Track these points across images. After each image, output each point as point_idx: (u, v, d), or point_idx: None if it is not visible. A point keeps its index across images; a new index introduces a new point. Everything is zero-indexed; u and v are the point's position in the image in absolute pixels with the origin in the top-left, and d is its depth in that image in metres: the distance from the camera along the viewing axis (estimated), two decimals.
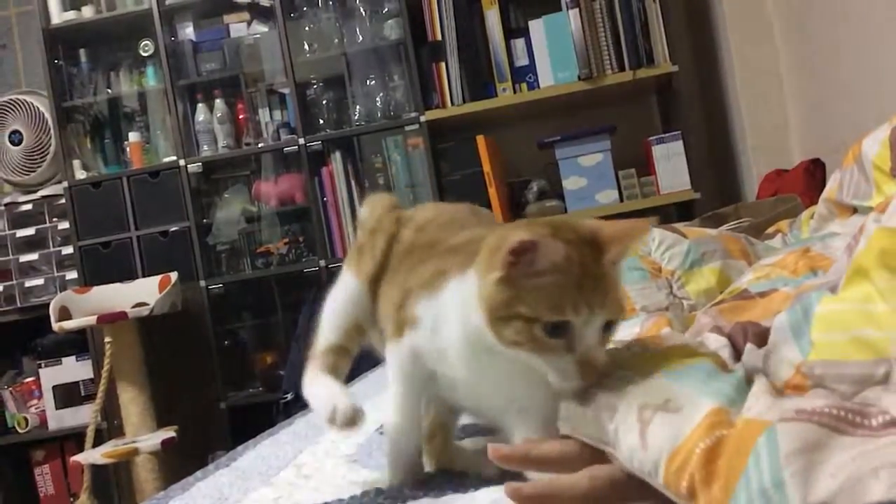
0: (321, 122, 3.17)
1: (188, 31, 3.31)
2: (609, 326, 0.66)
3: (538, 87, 3.01)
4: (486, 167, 2.97)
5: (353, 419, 0.77)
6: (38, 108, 3.37)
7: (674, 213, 2.98)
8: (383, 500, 0.76)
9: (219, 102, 3.21)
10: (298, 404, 2.59)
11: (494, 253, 0.66)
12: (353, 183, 3.10)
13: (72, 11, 3.24)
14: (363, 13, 3.16)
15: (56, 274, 3.37)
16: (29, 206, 3.40)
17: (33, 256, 3.38)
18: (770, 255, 1.17)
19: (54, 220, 3.37)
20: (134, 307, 2.86)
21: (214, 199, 3.29)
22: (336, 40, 3.18)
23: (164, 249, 3.13)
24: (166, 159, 3.22)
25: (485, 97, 3.00)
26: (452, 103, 3.01)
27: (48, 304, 2.87)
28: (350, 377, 1.02)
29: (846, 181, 1.19)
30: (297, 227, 3.21)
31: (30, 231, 3.38)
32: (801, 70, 2.66)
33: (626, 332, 0.92)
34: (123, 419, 2.87)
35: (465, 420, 0.89)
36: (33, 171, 3.41)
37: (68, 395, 3.32)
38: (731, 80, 2.92)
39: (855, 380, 0.56)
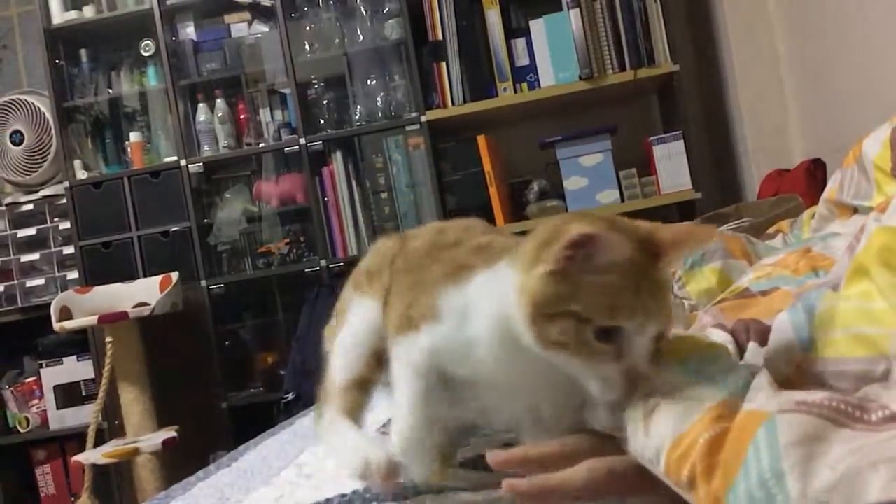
0: (322, 122, 3.17)
1: (189, 31, 3.31)
2: (658, 338, 0.61)
3: (539, 86, 3.01)
4: (487, 167, 2.97)
5: (390, 473, 0.69)
6: (39, 108, 3.37)
7: (675, 213, 2.98)
8: (385, 496, 0.76)
9: (220, 102, 3.21)
10: (299, 404, 2.59)
11: (545, 245, 0.61)
12: (353, 183, 3.10)
13: (73, 11, 3.25)
14: (364, 13, 3.16)
15: (57, 274, 3.37)
16: (30, 206, 3.40)
17: (34, 256, 3.38)
18: (771, 254, 1.17)
19: (55, 220, 3.37)
20: (135, 307, 2.86)
21: (215, 199, 3.29)
22: (337, 40, 3.18)
23: (165, 249, 3.13)
24: (167, 159, 3.22)
25: (485, 97, 3.00)
26: (453, 103, 3.01)
27: (49, 304, 2.87)
28: None
29: (847, 181, 1.19)
30: (297, 227, 3.21)
31: (31, 231, 3.38)
32: (802, 70, 2.66)
33: None
34: (124, 419, 2.88)
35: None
36: (34, 171, 3.41)
37: (69, 395, 3.33)
38: (732, 79, 2.92)
39: (855, 377, 0.56)
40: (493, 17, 3.01)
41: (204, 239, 3.16)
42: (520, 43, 3.03)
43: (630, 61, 2.93)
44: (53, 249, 3.37)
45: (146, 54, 3.27)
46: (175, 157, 3.18)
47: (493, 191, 2.96)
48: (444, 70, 3.01)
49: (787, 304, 0.69)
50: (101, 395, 2.84)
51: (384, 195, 3.08)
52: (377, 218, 3.09)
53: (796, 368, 0.59)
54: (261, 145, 3.22)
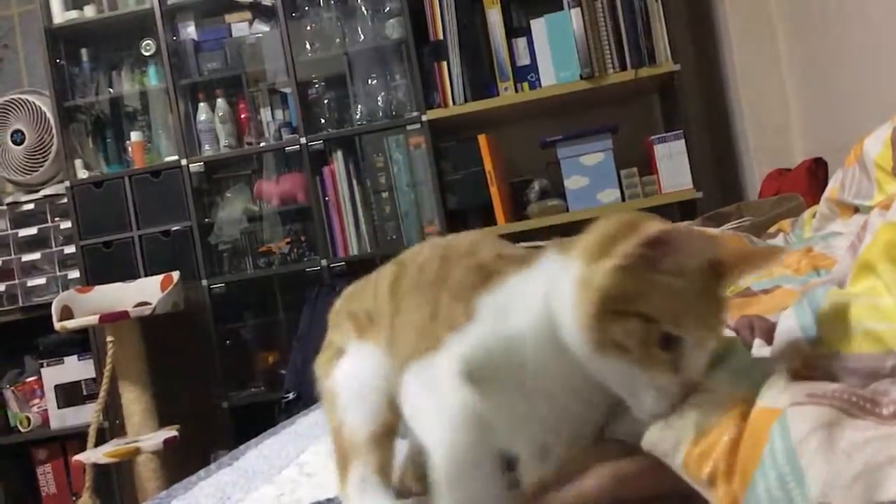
0: (323, 121, 3.17)
1: (190, 31, 3.31)
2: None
3: (540, 86, 3.01)
4: (488, 166, 2.97)
5: None
6: (40, 108, 3.37)
7: (676, 213, 2.98)
8: None
9: (220, 102, 3.21)
10: (300, 403, 2.59)
11: (613, 239, 0.57)
12: (354, 182, 3.10)
13: (74, 11, 3.25)
14: (365, 12, 3.16)
15: (58, 273, 3.37)
16: (31, 206, 3.40)
17: (35, 256, 3.39)
18: None
19: (56, 219, 3.38)
20: (136, 307, 2.86)
21: (216, 199, 3.29)
22: (337, 40, 3.18)
23: (166, 249, 3.13)
24: (168, 159, 3.22)
25: (486, 96, 3.00)
26: (454, 102, 3.01)
27: (50, 304, 2.87)
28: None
29: (848, 180, 1.19)
30: (298, 226, 3.21)
31: (32, 230, 3.38)
32: (804, 69, 2.66)
33: None
34: (125, 418, 2.88)
35: None
36: (35, 171, 3.41)
37: (70, 395, 3.33)
38: (734, 79, 2.92)
39: (863, 373, 0.56)
40: (494, 17, 3.01)
41: (205, 238, 3.16)
42: (521, 42, 3.03)
43: (631, 61, 2.93)
44: (54, 249, 3.37)
45: (147, 54, 3.27)
46: (176, 157, 3.18)
47: (493, 190, 2.96)
48: (444, 69, 3.01)
49: (790, 301, 0.69)
50: (102, 394, 2.84)
51: (385, 195, 3.08)
52: (378, 217, 3.09)
53: (804, 364, 0.59)
54: (261, 145, 3.22)
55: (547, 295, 0.59)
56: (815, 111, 2.62)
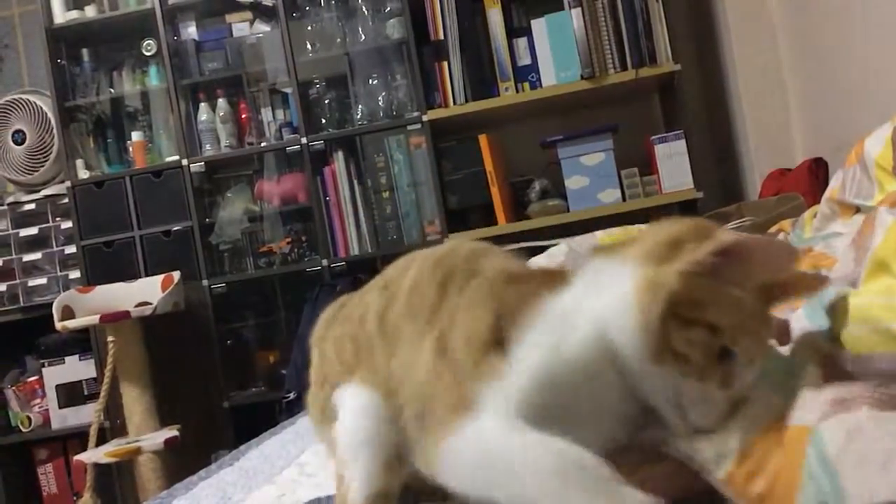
0: (323, 121, 3.17)
1: (191, 31, 3.31)
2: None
3: (540, 86, 3.01)
4: (489, 166, 2.97)
5: None
6: (41, 108, 3.38)
7: (677, 213, 2.98)
8: None
9: (221, 102, 3.21)
10: (301, 403, 2.59)
11: (678, 243, 0.55)
12: (355, 182, 3.10)
13: (75, 11, 3.25)
14: (365, 12, 3.16)
15: (59, 273, 3.37)
16: (32, 206, 3.40)
17: (36, 256, 3.39)
18: None
19: (57, 219, 3.38)
20: (137, 306, 2.86)
21: (217, 199, 3.29)
22: (338, 40, 3.18)
23: (167, 249, 3.14)
24: (169, 159, 3.23)
25: (487, 96, 3.00)
26: (455, 102, 3.01)
27: (51, 304, 2.87)
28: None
29: (849, 180, 1.19)
30: (299, 226, 3.21)
31: (33, 230, 3.38)
32: (804, 69, 2.65)
33: None
34: (126, 418, 2.88)
35: None
36: (36, 171, 3.41)
37: (71, 395, 3.33)
38: (734, 79, 2.92)
39: (884, 373, 0.55)
40: (495, 17, 3.01)
41: (205, 238, 3.17)
42: (521, 42, 3.03)
43: (632, 60, 2.93)
44: (55, 249, 3.37)
45: (148, 54, 3.27)
46: (177, 157, 3.18)
47: (494, 190, 2.96)
48: (445, 69, 3.01)
49: (800, 300, 0.68)
50: (102, 394, 2.84)
51: (385, 194, 3.09)
52: (378, 217, 3.09)
53: (825, 365, 0.59)
54: (262, 145, 3.22)
55: (594, 306, 0.56)
56: (816, 111, 2.61)
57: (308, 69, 3.17)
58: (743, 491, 0.52)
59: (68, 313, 2.86)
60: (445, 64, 3.01)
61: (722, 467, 0.53)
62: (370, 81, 3.17)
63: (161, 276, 2.99)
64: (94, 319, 2.77)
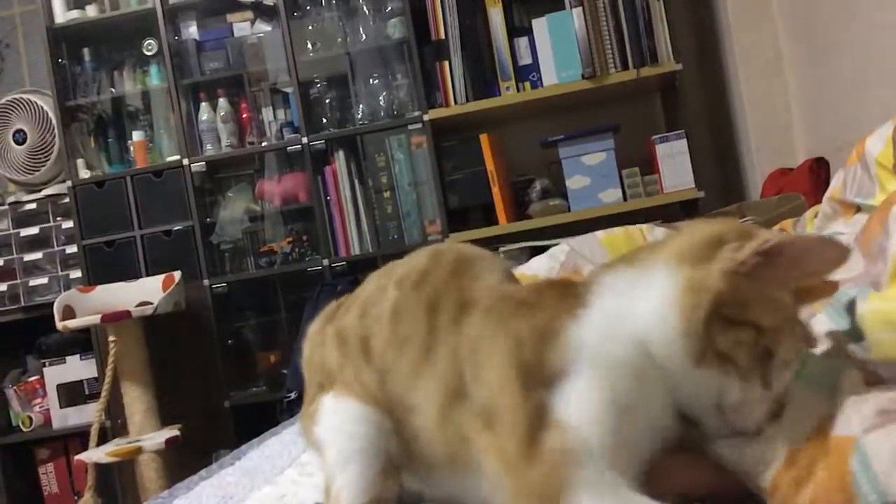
0: (324, 121, 3.17)
1: (192, 31, 3.31)
2: None
3: (541, 85, 3.01)
4: (490, 166, 2.97)
5: None
6: (41, 108, 3.38)
7: (678, 212, 2.98)
8: None
9: (222, 101, 3.21)
10: (301, 403, 2.59)
11: (718, 243, 0.54)
12: (356, 182, 3.10)
13: (75, 10, 3.25)
14: (366, 12, 3.16)
15: (60, 273, 3.37)
16: (33, 206, 3.40)
17: (37, 255, 3.39)
18: None
19: (58, 219, 3.38)
20: (138, 306, 2.86)
21: (218, 198, 3.29)
22: (339, 39, 3.18)
23: (168, 248, 3.14)
24: (170, 158, 3.23)
25: (488, 96, 3.00)
26: (456, 102, 3.01)
27: (52, 303, 2.87)
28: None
29: (850, 179, 1.19)
30: (300, 226, 3.21)
31: (34, 230, 3.38)
32: (806, 68, 2.65)
33: None
34: (127, 418, 2.88)
35: None
36: (37, 171, 3.41)
37: (72, 394, 3.33)
38: (735, 78, 2.92)
39: None
40: (496, 16, 3.01)
41: (206, 238, 3.17)
42: (522, 42, 3.03)
43: (633, 60, 2.93)
44: (56, 248, 3.37)
45: (149, 53, 3.27)
46: (178, 157, 3.18)
47: (495, 190, 2.96)
48: (446, 69, 3.01)
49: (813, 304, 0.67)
50: (103, 393, 2.84)
51: (386, 194, 3.09)
52: (379, 217, 3.09)
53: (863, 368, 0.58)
54: (263, 144, 3.22)
55: (629, 317, 0.55)
56: (818, 111, 2.61)
57: (309, 69, 3.17)
58: (789, 499, 0.51)
59: (69, 313, 2.86)
60: (446, 63, 3.01)
61: (766, 474, 0.52)
62: (371, 81, 3.17)
63: (162, 276, 2.99)
64: (95, 319, 2.77)
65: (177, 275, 2.98)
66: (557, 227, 2.84)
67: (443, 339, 0.61)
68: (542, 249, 1.53)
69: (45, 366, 3.35)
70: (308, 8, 3.18)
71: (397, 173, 3.08)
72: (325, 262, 3.06)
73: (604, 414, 0.52)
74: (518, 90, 3.01)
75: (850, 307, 0.62)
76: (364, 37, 3.16)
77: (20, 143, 3.39)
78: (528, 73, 3.02)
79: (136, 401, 2.85)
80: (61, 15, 3.23)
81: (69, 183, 3.19)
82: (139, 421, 2.85)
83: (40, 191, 3.41)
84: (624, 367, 0.54)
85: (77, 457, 2.84)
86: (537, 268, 1.40)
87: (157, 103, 3.34)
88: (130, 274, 3.10)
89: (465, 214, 3.05)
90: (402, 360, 0.63)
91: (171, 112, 3.21)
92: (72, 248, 3.30)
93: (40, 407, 3.40)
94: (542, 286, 0.62)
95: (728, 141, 3.11)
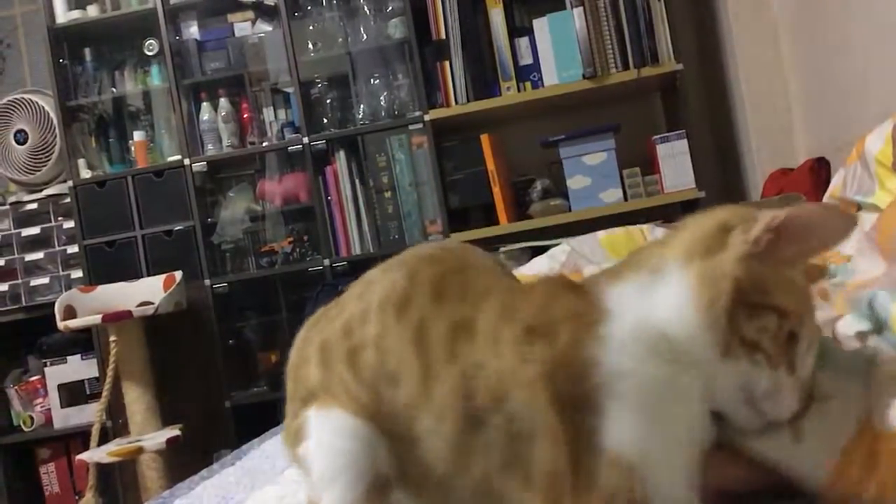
0: (325, 121, 3.17)
1: (193, 31, 3.31)
2: None
3: (542, 85, 3.01)
4: (490, 166, 2.97)
5: None
6: (42, 108, 3.38)
7: (679, 212, 2.97)
8: None
9: (223, 101, 3.21)
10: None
11: (725, 229, 0.53)
12: (357, 182, 3.10)
13: (77, 10, 3.25)
14: (367, 12, 3.16)
15: (61, 273, 3.37)
16: (34, 206, 3.40)
17: (38, 255, 3.39)
18: None
19: (59, 219, 3.38)
20: (139, 306, 2.86)
21: (219, 198, 3.29)
22: (340, 39, 3.18)
23: (169, 248, 3.14)
24: (171, 158, 3.23)
25: (489, 96, 3.00)
26: (456, 102, 3.01)
27: (53, 303, 2.87)
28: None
29: (850, 178, 1.19)
30: (301, 225, 3.21)
31: (35, 230, 3.39)
32: (806, 69, 2.65)
33: None
34: (128, 418, 2.88)
35: None
36: (38, 171, 3.41)
37: (73, 394, 3.33)
38: (736, 78, 2.92)
39: None
40: (497, 16, 3.01)
41: (207, 238, 3.17)
42: (523, 42, 3.03)
43: (633, 60, 2.93)
44: (57, 248, 3.37)
45: (150, 53, 3.27)
46: (178, 156, 3.18)
47: (496, 190, 2.96)
48: (447, 69, 3.01)
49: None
50: (105, 393, 2.84)
51: (387, 194, 3.09)
52: (380, 217, 3.09)
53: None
54: (264, 144, 3.22)
55: (650, 321, 0.53)
56: (818, 111, 2.61)
57: (310, 69, 3.18)
58: (851, 495, 0.51)
59: (70, 313, 2.87)
60: (447, 63, 3.01)
61: (820, 472, 0.52)
62: (372, 81, 3.17)
63: (163, 276, 2.99)
64: (96, 319, 2.77)
65: (178, 275, 2.98)
66: (558, 228, 2.84)
67: (437, 374, 0.58)
68: (543, 249, 1.53)
69: (46, 366, 3.35)
70: (309, 8, 3.19)
71: (398, 173, 3.08)
72: (326, 262, 3.06)
73: (651, 438, 0.52)
74: (519, 90, 3.01)
75: (871, 307, 0.62)
76: (365, 37, 3.17)
77: (21, 143, 3.40)
78: (528, 73, 3.02)
79: (137, 401, 2.85)
80: (62, 15, 3.24)
81: (70, 183, 3.19)
82: (140, 421, 2.85)
83: (41, 191, 3.42)
84: (660, 386, 0.53)
85: (78, 457, 2.84)
86: (538, 268, 1.40)
87: (158, 103, 3.34)
88: (131, 274, 3.10)
89: (465, 214, 3.05)
90: (398, 393, 0.60)
91: (172, 112, 3.21)
92: (73, 248, 3.30)
93: (41, 407, 3.40)
94: (540, 301, 0.58)
95: (729, 141, 3.11)
